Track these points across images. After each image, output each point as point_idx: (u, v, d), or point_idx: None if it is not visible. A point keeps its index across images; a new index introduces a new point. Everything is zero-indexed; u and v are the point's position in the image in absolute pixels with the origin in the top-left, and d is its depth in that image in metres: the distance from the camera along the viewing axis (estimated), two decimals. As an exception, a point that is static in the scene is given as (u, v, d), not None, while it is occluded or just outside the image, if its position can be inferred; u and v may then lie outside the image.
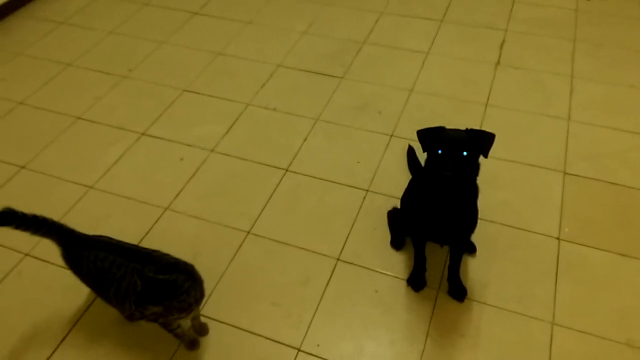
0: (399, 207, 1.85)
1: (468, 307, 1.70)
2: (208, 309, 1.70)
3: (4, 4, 3.10)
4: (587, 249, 1.84)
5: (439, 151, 1.38)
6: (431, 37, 2.88)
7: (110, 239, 1.52)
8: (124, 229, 1.94)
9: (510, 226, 1.92)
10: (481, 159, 1.46)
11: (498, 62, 2.68)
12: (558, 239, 1.87)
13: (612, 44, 2.76)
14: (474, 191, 1.50)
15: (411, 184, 1.68)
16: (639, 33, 2.83)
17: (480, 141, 1.41)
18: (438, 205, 1.48)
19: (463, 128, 1.46)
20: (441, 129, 1.43)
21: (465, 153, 1.37)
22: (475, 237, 1.87)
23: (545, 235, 1.88)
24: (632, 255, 1.81)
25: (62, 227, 1.49)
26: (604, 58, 2.68)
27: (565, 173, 2.10)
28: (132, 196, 2.08)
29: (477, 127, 2.29)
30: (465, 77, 2.61)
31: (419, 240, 1.68)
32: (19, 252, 1.89)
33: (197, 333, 1.63)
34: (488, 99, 2.47)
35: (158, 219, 1.99)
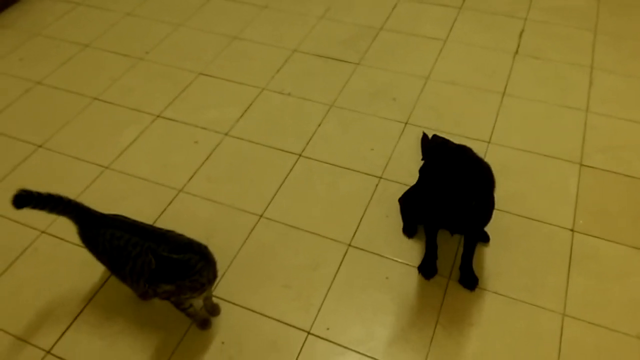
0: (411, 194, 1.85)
1: (479, 296, 1.70)
2: (220, 290, 1.72)
3: (23, -16, 3.12)
4: (600, 241, 1.82)
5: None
6: (449, 24, 2.85)
7: (126, 218, 1.54)
8: (139, 209, 1.95)
9: (524, 217, 1.91)
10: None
11: (517, 52, 2.64)
12: (572, 230, 1.86)
13: (633, 36, 2.71)
14: (488, 185, 1.49)
15: (422, 174, 1.67)
16: (662, 24, 2.77)
17: (476, 189, 1.42)
18: (450, 199, 1.47)
19: (470, 148, 1.49)
20: (445, 145, 1.43)
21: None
22: (489, 227, 1.86)
23: (559, 226, 1.87)
24: (647, 249, 1.80)
25: (78, 206, 1.52)
26: (625, 50, 2.63)
27: (581, 165, 2.08)
28: (146, 177, 2.10)
29: (493, 115, 2.29)
30: (482, 65, 2.58)
31: (431, 228, 1.68)
32: (35, 229, 1.92)
33: (209, 313, 1.65)
34: (505, 88, 2.44)
35: (172, 200, 2.01)
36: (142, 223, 1.53)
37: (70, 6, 3.09)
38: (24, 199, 1.43)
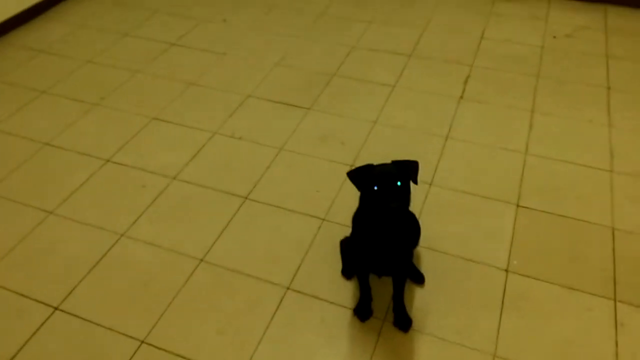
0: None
1: (412, 338, 1.70)
2: (152, 337, 1.70)
3: (-14, 33, 3.19)
4: (534, 281, 1.85)
5: (375, 187, 1.41)
6: (399, 71, 2.96)
7: None
8: (77, 255, 1.96)
9: (460, 257, 1.94)
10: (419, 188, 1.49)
11: (461, 97, 2.74)
12: (506, 271, 1.89)
13: (574, 81, 2.84)
14: (408, 222, 1.53)
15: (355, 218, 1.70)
16: (601, 70, 2.91)
17: (408, 170, 1.46)
18: (380, 236, 1.51)
19: (403, 159, 1.51)
20: (371, 167, 1.47)
21: (399, 184, 1.41)
22: (424, 268, 1.90)
23: (494, 267, 1.90)
24: (579, 288, 1.83)
25: None
26: (566, 94, 2.74)
27: (518, 206, 2.13)
28: (90, 222, 2.10)
29: (435, 158, 2.36)
30: (428, 110, 2.67)
31: (360, 271, 1.70)
32: None
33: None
34: (449, 131, 2.52)
35: (113, 245, 2.01)
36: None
37: (32, 53, 3.15)
38: None
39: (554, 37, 3.18)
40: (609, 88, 2.77)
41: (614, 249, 1.95)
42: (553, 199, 2.15)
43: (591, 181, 2.24)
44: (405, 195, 1.43)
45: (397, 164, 1.47)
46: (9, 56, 3.13)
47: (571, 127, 2.53)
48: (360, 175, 1.47)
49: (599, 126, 2.53)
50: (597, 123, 2.55)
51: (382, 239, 1.50)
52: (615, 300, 1.79)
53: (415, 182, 1.47)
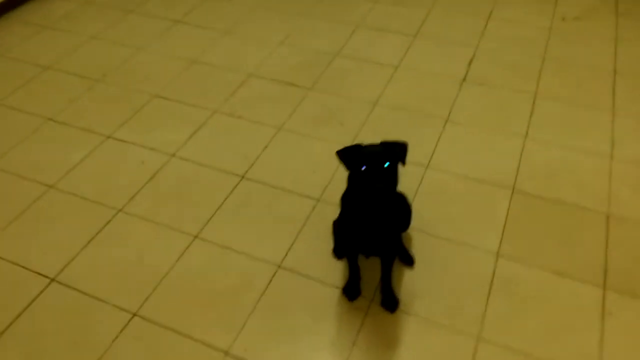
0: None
1: (398, 319, 1.72)
2: (144, 310, 1.75)
3: (-8, 7, 3.21)
4: (524, 266, 1.85)
5: (362, 167, 1.42)
6: (403, 51, 2.92)
7: None
8: (75, 229, 2.01)
9: (451, 240, 1.94)
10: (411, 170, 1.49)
11: (464, 79, 2.71)
12: (497, 255, 1.89)
13: (580, 64, 2.78)
14: (397, 203, 1.54)
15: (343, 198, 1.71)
16: (608, 53, 2.85)
17: (396, 151, 1.45)
18: (367, 217, 1.52)
19: (388, 141, 1.51)
20: (359, 147, 1.47)
21: (387, 164, 1.41)
22: (415, 250, 1.91)
23: (484, 251, 1.90)
24: (568, 274, 1.82)
25: None
26: (570, 77, 2.70)
27: (513, 190, 2.12)
28: (88, 197, 2.14)
29: (434, 140, 2.35)
30: (430, 92, 2.64)
31: (349, 251, 1.72)
32: None
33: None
34: (449, 114, 2.50)
35: (110, 220, 2.05)
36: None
37: (37, 29, 3.17)
38: None
39: (563, 19, 3.11)
40: (615, 72, 2.71)
41: (607, 236, 1.94)
42: (550, 184, 2.14)
43: (590, 167, 2.21)
44: (392, 177, 1.43)
45: (385, 145, 1.47)
46: (15, 32, 3.16)
47: (574, 111, 2.49)
48: (348, 155, 1.47)
49: (603, 111, 2.49)
50: (600, 108, 2.50)
51: (368, 220, 1.51)
52: (604, 288, 1.78)
53: (404, 164, 1.47)
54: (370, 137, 2.38)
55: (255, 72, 2.82)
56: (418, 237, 1.95)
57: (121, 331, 1.69)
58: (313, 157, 2.32)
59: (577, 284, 1.80)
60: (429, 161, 2.26)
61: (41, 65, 2.87)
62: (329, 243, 1.94)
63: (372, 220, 1.50)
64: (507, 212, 2.03)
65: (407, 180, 2.15)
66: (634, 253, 1.88)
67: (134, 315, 1.74)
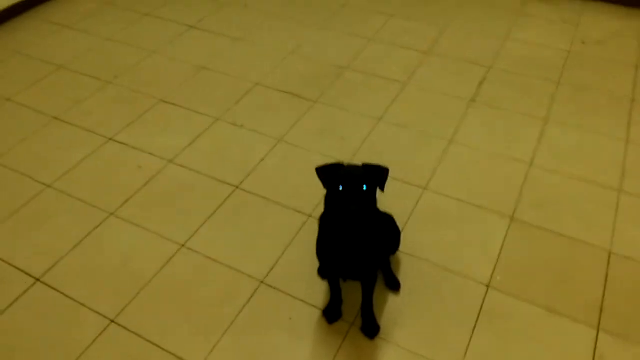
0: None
1: (377, 346, 1.67)
2: (122, 318, 1.74)
3: (15, 5, 3.28)
4: (514, 300, 1.78)
5: (340, 187, 1.38)
6: (413, 68, 2.87)
7: None
8: (65, 229, 2.02)
9: (441, 266, 1.88)
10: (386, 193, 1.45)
11: (473, 100, 2.64)
12: (487, 286, 1.82)
13: (596, 90, 2.68)
14: (380, 226, 1.49)
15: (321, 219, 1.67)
16: (628, 80, 2.74)
17: (376, 175, 1.41)
18: (340, 239, 1.48)
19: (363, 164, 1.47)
20: (340, 166, 1.43)
21: (365, 187, 1.37)
22: (402, 274, 1.86)
23: (475, 280, 1.83)
24: (561, 312, 1.74)
25: None
26: (584, 103, 2.60)
27: (512, 219, 2.04)
28: (82, 198, 2.15)
29: (434, 162, 2.29)
30: (436, 111, 2.58)
31: (329, 273, 1.67)
32: None
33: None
34: (454, 135, 2.43)
35: (101, 223, 2.05)
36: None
37: (56, 28, 3.24)
38: None
39: (583, 42, 3.01)
40: (633, 100, 2.60)
41: (607, 274, 1.85)
42: (551, 215, 2.05)
43: (596, 199, 2.12)
44: (369, 200, 1.39)
45: (367, 167, 1.43)
46: (36, 29, 3.22)
47: (585, 139, 2.40)
48: (327, 173, 1.43)
49: (615, 141, 2.38)
50: (613, 137, 2.40)
51: (343, 242, 1.47)
52: (598, 329, 1.69)
53: (382, 189, 1.43)
54: (370, 154, 2.34)
55: (263, 81, 2.81)
56: (407, 261, 1.90)
57: (97, 337, 1.69)
58: (309, 170, 2.26)
59: (569, 323, 1.71)
60: (428, 183, 2.20)
61: (55, 64, 2.92)
62: (315, 262, 1.89)
63: (347, 243, 1.46)
64: (503, 242, 1.96)
65: (403, 201, 2.11)
66: (633, 295, 1.78)
67: (112, 322, 1.73)
